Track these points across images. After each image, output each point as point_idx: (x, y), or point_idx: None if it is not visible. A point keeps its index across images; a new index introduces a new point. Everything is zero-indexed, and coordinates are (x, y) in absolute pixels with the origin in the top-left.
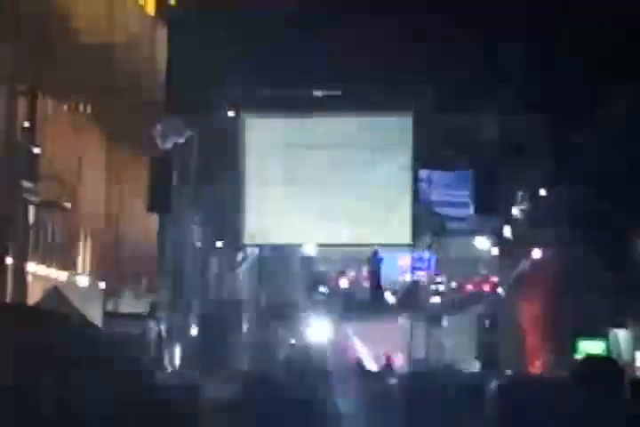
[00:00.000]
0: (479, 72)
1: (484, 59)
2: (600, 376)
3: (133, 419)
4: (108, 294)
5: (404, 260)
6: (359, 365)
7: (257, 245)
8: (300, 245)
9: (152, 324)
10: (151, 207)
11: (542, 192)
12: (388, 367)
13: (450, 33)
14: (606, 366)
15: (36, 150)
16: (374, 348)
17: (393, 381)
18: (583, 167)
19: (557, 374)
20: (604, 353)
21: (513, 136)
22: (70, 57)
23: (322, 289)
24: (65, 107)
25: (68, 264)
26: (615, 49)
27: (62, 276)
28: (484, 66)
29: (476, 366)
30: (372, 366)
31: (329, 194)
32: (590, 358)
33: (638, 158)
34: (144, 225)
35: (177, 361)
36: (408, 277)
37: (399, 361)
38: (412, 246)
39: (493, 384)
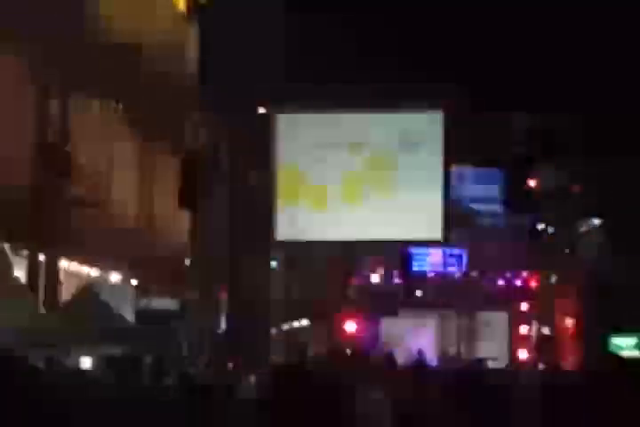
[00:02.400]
0: (509, 70)
1: (515, 57)
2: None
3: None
4: (140, 291)
5: (436, 256)
6: (391, 360)
7: (288, 243)
8: (331, 242)
9: (184, 322)
10: (182, 205)
11: (574, 189)
12: (419, 363)
13: (481, 31)
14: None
15: (68, 149)
16: (405, 343)
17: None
18: (613, 165)
19: (590, 371)
20: (636, 349)
21: (544, 134)
22: (102, 56)
23: (353, 285)
24: (97, 106)
25: (101, 262)
26: None
27: (95, 273)
28: (514, 64)
29: (505, 363)
30: (402, 360)
31: (360, 191)
32: (622, 357)
33: None
34: (176, 224)
35: (207, 359)
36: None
37: (430, 357)
38: (444, 242)
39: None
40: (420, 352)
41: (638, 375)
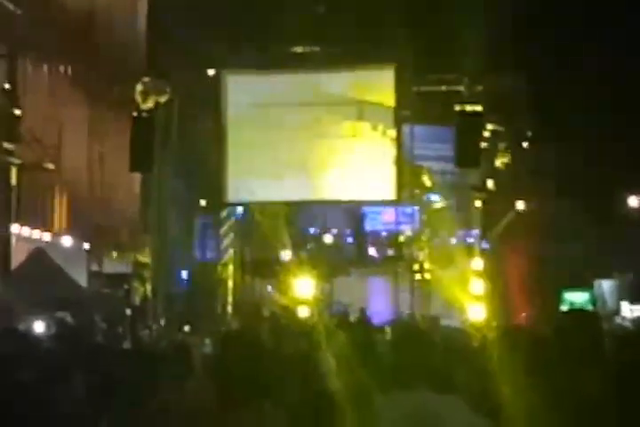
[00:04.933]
0: (464, 29)
1: (470, 16)
2: (577, 329)
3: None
4: (92, 254)
5: (389, 215)
6: (344, 319)
7: (240, 204)
8: (283, 203)
9: (136, 284)
10: (133, 167)
11: (527, 146)
12: (368, 320)
13: None
14: (583, 318)
15: (17, 112)
16: (359, 302)
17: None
18: (568, 123)
19: (542, 327)
20: (589, 304)
21: (497, 92)
22: (51, 19)
23: (306, 246)
24: (45, 68)
25: (52, 225)
26: None
27: (46, 237)
28: (469, 23)
29: (459, 321)
30: (355, 319)
31: (312, 151)
32: (568, 311)
33: (625, 114)
34: (127, 186)
35: (162, 321)
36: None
37: (384, 315)
38: (397, 201)
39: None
40: (362, 310)
41: (587, 327)
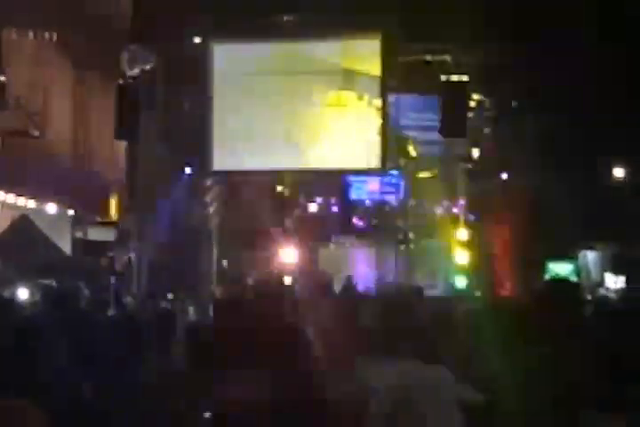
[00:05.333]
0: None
1: None
2: (559, 297)
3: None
4: (77, 221)
5: (374, 184)
6: (328, 288)
7: (225, 172)
8: (268, 171)
9: (121, 251)
10: (118, 135)
11: (512, 118)
12: (347, 289)
13: None
14: (565, 287)
15: (2, 78)
16: (343, 271)
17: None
18: (554, 94)
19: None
20: (573, 275)
21: (483, 62)
22: None
23: (291, 215)
24: (30, 34)
25: (37, 192)
26: None
27: (30, 204)
28: None
29: (444, 292)
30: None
31: (298, 120)
32: (550, 281)
33: (610, 87)
34: (112, 153)
35: (146, 289)
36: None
37: (367, 284)
38: (382, 171)
39: (463, 308)
40: (349, 278)
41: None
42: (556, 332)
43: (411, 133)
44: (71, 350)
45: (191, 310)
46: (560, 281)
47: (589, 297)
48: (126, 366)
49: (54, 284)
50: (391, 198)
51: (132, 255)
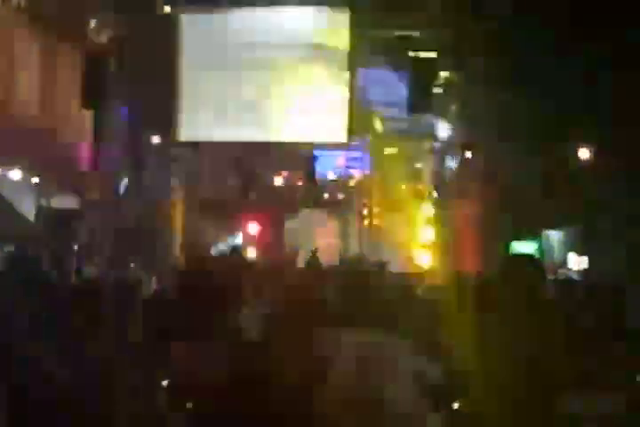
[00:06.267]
0: None
1: None
2: (518, 272)
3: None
4: (42, 189)
5: (340, 159)
6: (292, 260)
7: (191, 143)
8: (235, 143)
9: (84, 221)
10: (85, 105)
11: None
12: (314, 264)
13: None
14: (524, 262)
15: None
16: (308, 245)
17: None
18: (519, 73)
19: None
20: (537, 254)
21: (451, 36)
22: None
23: (256, 187)
24: None
25: (1, 160)
26: None
27: None
28: None
29: (408, 267)
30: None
31: (266, 92)
32: (509, 256)
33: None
34: (79, 123)
35: (108, 259)
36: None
37: (331, 257)
38: (347, 145)
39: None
40: (314, 252)
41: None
42: (515, 306)
43: (378, 109)
44: (30, 318)
45: (153, 280)
46: (520, 256)
47: (552, 276)
48: (84, 336)
49: (15, 251)
50: (356, 173)
51: (96, 224)
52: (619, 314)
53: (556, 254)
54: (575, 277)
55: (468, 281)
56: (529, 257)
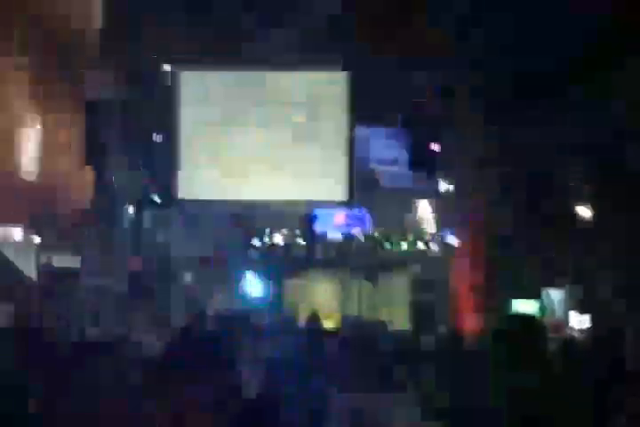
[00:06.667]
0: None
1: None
2: (519, 332)
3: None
4: (42, 248)
5: (340, 217)
6: (290, 321)
7: (189, 201)
8: (233, 201)
9: (84, 279)
10: (85, 162)
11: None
12: (315, 324)
13: None
14: (526, 322)
15: None
16: (307, 305)
17: (323, 337)
18: (518, 133)
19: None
20: (537, 313)
21: (450, 92)
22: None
23: (256, 245)
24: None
25: (2, 218)
26: None
27: None
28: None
29: (408, 326)
30: (303, 322)
31: (263, 150)
32: (511, 316)
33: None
34: (79, 181)
35: (107, 318)
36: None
37: (331, 319)
38: (347, 203)
39: (426, 340)
40: (314, 314)
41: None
42: (515, 363)
43: (378, 166)
44: (30, 377)
45: (151, 337)
46: (520, 316)
47: (554, 336)
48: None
49: (13, 309)
50: (356, 232)
51: (97, 282)
52: (619, 372)
53: (558, 312)
54: (577, 335)
55: (466, 339)
56: (529, 317)
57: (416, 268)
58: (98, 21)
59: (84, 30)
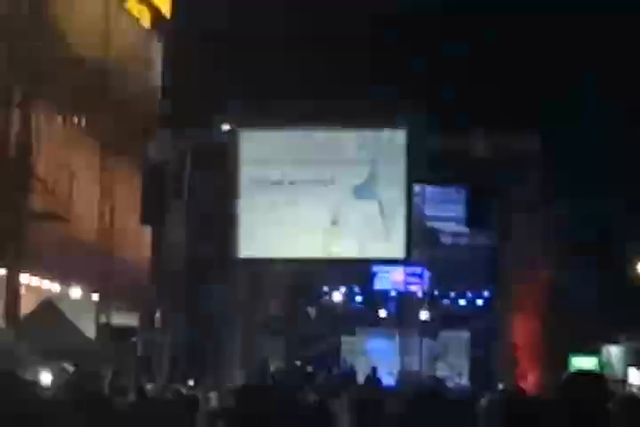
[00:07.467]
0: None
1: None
2: (582, 390)
3: None
4: (101, 306)
5: (398, 274)
6: (350, 377)
7: (249, 260)
8: (293, 260)
9: (144, 337)
10: (144, 220)
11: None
12: (374, 381)
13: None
14: (588, 380)
15: (30, 162)
16: (366, 362)
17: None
18: (576, 185)
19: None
20: (596, 369)
21: (505, 152)
22: (65, 70)
23: (314, 303)
24: (59, 120)
25: (62, 276)
26: None
27: (55, 288)
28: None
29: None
30: (361, 378)
31: (324, 208)
32: (573, 373)
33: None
34: (137, 239)
35: (168, 375)
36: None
37: (390, 375)
38: (406, 261)
39: (485, 399)
40: (374, 370)
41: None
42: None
43: (436, 224)
44: None
45: (214, 396)
46: (585, 373)
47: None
48: None
49: (71, 368)
50: (415, 288)
51: (155, 341)
52: None
53: (617, 369)
54: (637, 391)
55: (526, 400)
56: (594, 375)
57: (475, 323)
58: (158, 85)
59: (145, 96)
